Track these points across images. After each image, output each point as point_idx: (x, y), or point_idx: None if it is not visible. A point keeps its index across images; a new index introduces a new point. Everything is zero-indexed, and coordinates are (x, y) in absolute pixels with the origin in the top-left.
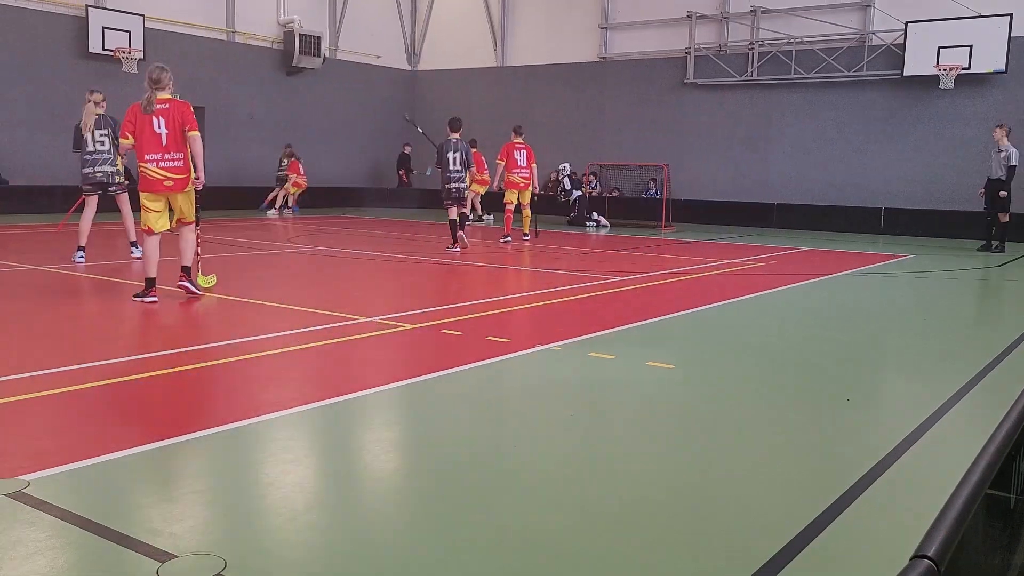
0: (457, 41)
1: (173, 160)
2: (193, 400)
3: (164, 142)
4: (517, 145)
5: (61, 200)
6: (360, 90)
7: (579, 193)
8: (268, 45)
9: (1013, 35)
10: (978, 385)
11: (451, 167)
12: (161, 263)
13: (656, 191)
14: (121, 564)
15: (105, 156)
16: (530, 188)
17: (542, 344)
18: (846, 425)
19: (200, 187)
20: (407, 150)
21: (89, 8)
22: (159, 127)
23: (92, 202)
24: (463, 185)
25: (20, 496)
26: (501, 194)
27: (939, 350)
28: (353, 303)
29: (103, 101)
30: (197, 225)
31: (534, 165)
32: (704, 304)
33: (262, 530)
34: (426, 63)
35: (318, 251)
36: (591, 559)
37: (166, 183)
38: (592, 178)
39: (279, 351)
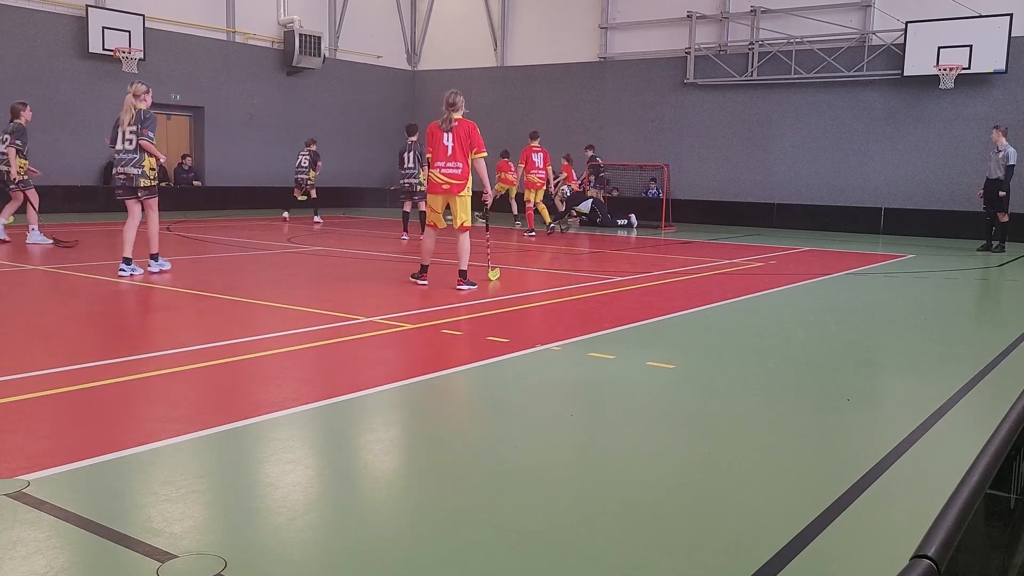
0: (457, 41)
1: (453, 168)
2: (193, 400)
3: (449, 152)
4: (535, 149)
5: (62, 200)
6: (360, 90)
7: (590, 198)
8: (268, 45)
9: (1013, 35)
10: (978, 385)
11: (405, 164)
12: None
13: (657, 191)
14: (121, 564)
15: (129, 156)
16: (544, 187)
17: (542, 344)
18: (846, 425)
19: (488, 201)
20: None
21: (89, 8)
22: (447, 140)
23: (130, 207)
24: (415, 180)
25: (20, 496)
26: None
27: (939, 350)
28: (353, 303)
29: (145, 94)
30: (487, 230)
31: (549, 167)
32: (704, 304)
33: (262, 530)
34: (426, 63)
35: (318, 251)
36: (591, 559)
37: (444, 186)
38: (592, 178)
39: (279, 351)
